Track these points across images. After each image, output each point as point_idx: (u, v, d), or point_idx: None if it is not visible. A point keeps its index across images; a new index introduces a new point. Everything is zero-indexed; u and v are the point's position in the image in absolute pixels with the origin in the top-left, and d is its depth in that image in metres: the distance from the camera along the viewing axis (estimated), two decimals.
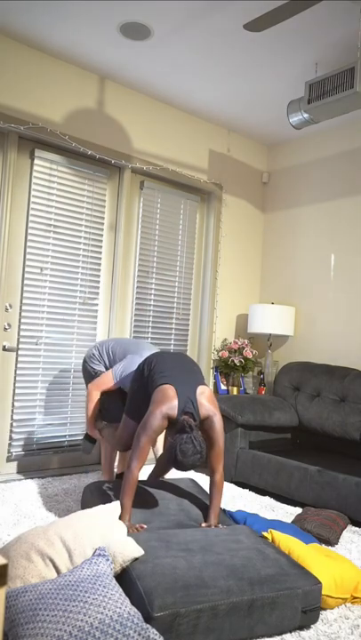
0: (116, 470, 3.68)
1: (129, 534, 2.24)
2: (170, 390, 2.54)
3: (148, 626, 1.66)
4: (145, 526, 2.42)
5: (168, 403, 2.49)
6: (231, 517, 2.88)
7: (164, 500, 2.74)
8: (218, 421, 2.58)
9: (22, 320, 3.70)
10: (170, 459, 2.38)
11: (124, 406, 3.36)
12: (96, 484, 2.92)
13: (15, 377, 3.67)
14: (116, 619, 1.65)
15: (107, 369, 3.34)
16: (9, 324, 3.66)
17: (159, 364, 2.74)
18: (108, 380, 3.19)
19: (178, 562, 2.00)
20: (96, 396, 3.24)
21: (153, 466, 4.05)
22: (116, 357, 3.31)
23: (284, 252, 4.92)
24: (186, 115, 4.50)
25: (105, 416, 3.35)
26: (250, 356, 4.57)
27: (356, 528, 3.10)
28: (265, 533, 2.46)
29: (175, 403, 2.49)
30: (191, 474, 4.02)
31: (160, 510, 2.63)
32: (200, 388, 2.60)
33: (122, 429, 2.99)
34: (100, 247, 4.08)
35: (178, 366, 2.71)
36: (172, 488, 2.91)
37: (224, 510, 2.95)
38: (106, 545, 2.02)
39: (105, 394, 3.28)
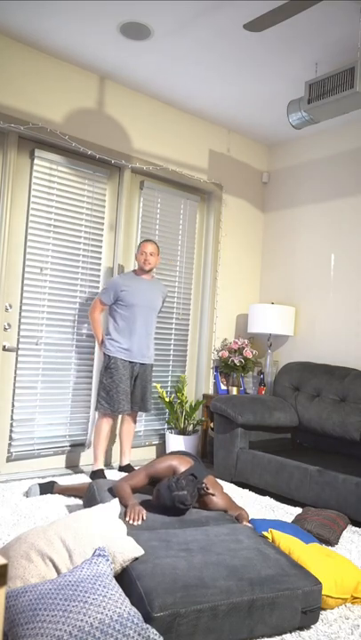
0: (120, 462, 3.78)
1: (129, 533, 2.24)
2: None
3: (147, 626, 1.66)
4: (144, 512, 2.50)
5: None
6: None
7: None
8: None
9: (22, 320, 3.70)
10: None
11: (124, 398, 3.63)
12: (98, 482, 2.92)
13: (15, 377, 3.67)
14: (116, 619, 1.65)
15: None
16: (9, 324, 3.66)
17: None
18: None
19: (178, 562, 2.00)
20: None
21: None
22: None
23: (284, 252, 4.92)
24: (186, 115, 4.50)
25: (101, 400, 3.63)
26: (250, 356, 4.57)
27: (356, 528, 3.10)
28: (265, 533, 2.46)
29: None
30: None
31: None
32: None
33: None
34: (100, 247, 4.08)
35: None
36: None
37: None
38: (106, 545, 2.02)
39: (109, 377, 3.64)
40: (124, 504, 2.62)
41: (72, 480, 3.64)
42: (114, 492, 2.75)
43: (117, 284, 3.68)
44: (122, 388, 3.64)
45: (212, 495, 2.70)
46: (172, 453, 2.91)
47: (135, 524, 2.42)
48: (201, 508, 2.73)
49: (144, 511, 2.51)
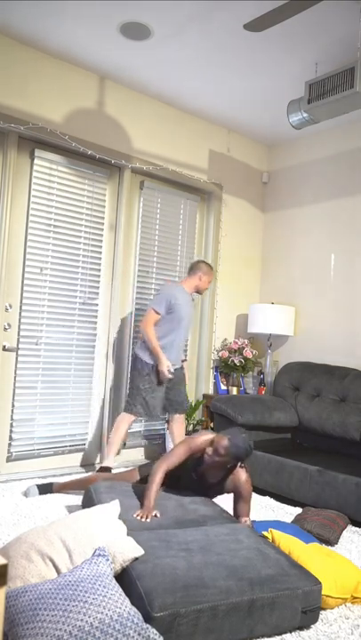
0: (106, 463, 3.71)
1: (129, 533, 2.25)
2: None
3: (147, 626, 1.66)
4: (158, 515, 2.54)
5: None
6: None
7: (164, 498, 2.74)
8: None
9: (22, 320, 3.70)
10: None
11: (160, 403, 3.75)
12: (97, 483, 2.91)
13: (15, 377, 3.67)
14: (116, 619, 1.65)
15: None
16: (9, 324, 3.66)
17: None
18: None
19: (178, 562, 2.00)
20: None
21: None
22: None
23: (284, 252, 4.92)
24: (186, 115, 4.50)
25: (137, 404, 3.67)
26: (250, 356, 4.57)
27: (356, 528, 3.10)
28: (265, 533, 2.46)
29: None
30: None
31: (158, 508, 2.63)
32: None
33: None
34: (100, 247, 4.08)
35: None
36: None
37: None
38: (106, 545, 2.02)
39: (150, 383, 3.68)
40: (145, 498, 2.64)
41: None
42: (150, 475, 2.73)
43: (171, 295, 3.72)
44: (159, 395, 3.75)
45: (243, 467, 2.79)
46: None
47: (143, 520, 2.49)
48: (223, 479, 2.79)
49: (157, 513, 2.56)
